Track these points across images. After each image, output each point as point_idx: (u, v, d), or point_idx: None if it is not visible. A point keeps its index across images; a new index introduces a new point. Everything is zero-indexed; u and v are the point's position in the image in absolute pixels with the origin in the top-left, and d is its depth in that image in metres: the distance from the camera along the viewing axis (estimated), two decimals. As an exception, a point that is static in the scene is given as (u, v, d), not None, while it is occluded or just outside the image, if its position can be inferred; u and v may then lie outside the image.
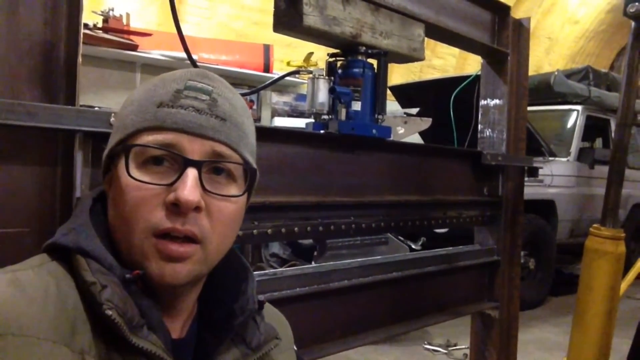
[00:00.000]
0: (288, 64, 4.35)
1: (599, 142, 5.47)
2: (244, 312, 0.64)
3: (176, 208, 0.56)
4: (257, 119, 4.16)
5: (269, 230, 1.26)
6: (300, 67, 4.32)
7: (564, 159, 4.52)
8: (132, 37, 3.40)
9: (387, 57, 1.44)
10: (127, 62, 3.65)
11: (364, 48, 1.41)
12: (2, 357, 0.47)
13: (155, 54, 3.52)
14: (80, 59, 0.90)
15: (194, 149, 0.58)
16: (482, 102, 2.03)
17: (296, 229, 1.32)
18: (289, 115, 4.48)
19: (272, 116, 4.39)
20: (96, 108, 0.93)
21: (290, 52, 4.44)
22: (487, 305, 1.99)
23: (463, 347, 3.03)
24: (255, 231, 1.22)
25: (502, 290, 2.00)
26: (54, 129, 0.87)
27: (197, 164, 0.57)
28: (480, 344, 2.08)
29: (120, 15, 3.34)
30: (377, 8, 1.43)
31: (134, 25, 3.56)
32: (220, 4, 4.21)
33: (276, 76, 4.32)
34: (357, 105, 1.38)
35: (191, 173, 0.57)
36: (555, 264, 4.56)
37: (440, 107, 2.75)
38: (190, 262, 0.57)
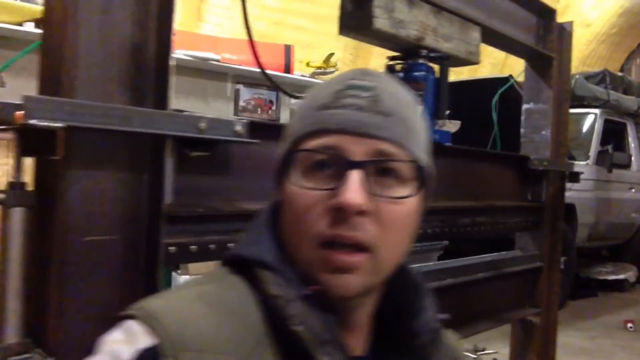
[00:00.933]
0: (308, 64, 4.33)
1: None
2: (427, 330, 0.60)
3: (340, 213, 0.53)
4: (277, 120, 4.14)
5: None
6: (320, 67, 4.30)
7: (583, 163, 4.51)
8: (155, 36, 3.37)
9: (449, 60, 1.42)
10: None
11: (425, 51, 1.39)
12: None
13: (179, 53, 3.50)
14: (172, 62, 0.87)
15: (357, 149, 0.54)
16: (525, 106, 2.01)
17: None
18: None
19: (291, 117, 4.37)
20: (185, 113, 0.91)
21: (309, 53, 4.42)
22: (529, 311, 1.97)
23: (491, 352, 3.00)
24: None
25: (543, 296, 1.99)
26: (145, 134, 0.84)
27: (360, 165, 0.54)
28: (520, 350, 2.06)
29: (144, 14, 3.31)
30: (439, 11, 1.41)
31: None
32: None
33: (298, 76, 4.27)
34: (419, 110, 1.36)
35: (354, 175, 0.53)
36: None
37: (466, 109, 2.72)
38: (360, 273, 0.54)
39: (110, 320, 0.80)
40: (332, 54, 4.17)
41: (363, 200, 0.53)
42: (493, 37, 1.71)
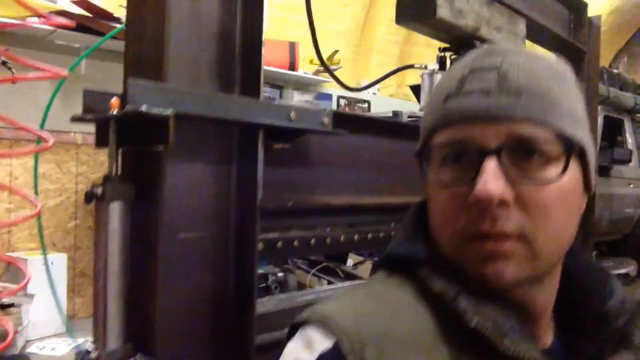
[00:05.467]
0: (311, 62, 4.28)
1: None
2: (622, 314, 0.56)
3: (480, 207, 0.49)
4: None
5: (369, 236, 1.18)
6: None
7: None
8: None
9: (502, 52, 1.39)
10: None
11: (478, 42, 1.36)
12: None
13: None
14: (263, 49, 0.83)
15: (488, 136, 0.50)
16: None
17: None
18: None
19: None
20: (275, 101, 0.86)
21: (312, 50, 4.38)
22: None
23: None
24: (356, 237, 1.13)
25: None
26: (239, 123, 0.80)
27: (493, 153, 0.49)
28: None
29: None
30: (491, 1, 1.39)
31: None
32: (243, 1, 4.12)
33: (302, 74, 4.23)
34: (476, 102, 1.33)
35: (489, 164, 0.49)
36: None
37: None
38: (513, 260, 0.49)
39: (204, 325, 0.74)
40: (336, 51, 4.13)
41: (500, 190, 0.48)
42: (533, 31, 1.69)
